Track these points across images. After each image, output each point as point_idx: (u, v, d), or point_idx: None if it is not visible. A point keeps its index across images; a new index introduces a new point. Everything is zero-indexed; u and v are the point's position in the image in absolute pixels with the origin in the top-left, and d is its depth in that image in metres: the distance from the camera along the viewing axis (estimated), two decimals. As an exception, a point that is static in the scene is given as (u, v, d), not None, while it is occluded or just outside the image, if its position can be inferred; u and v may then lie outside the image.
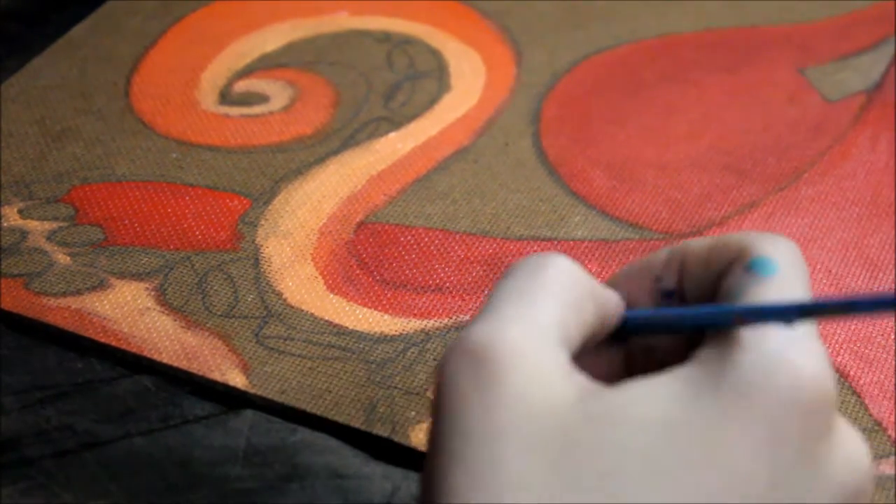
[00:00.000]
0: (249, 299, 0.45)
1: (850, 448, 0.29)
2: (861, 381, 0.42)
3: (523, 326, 0.28)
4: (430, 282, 0.46)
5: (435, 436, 0.27)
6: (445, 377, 0.28)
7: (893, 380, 0.42)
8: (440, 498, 0.26)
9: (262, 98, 0.55)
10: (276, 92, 0.56)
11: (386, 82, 0.56)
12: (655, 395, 0.27)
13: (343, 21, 0.60)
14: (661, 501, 0.26)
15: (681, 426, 0.27)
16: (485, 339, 0.27)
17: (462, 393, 0.27)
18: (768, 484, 0.27)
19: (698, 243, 0.33)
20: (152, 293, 0.46)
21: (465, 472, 0.26)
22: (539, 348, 0.27)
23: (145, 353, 0.43)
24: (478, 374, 0.27)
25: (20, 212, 0.49)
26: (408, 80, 0.56)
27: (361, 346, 0.43)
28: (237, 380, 0.42)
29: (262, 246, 0.48)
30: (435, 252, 0.47)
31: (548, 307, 0.28)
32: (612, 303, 0.32)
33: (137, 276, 0.46)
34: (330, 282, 0.46)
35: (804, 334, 0.28)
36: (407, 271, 0.46)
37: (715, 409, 0.27)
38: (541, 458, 0.26)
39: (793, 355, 0.28)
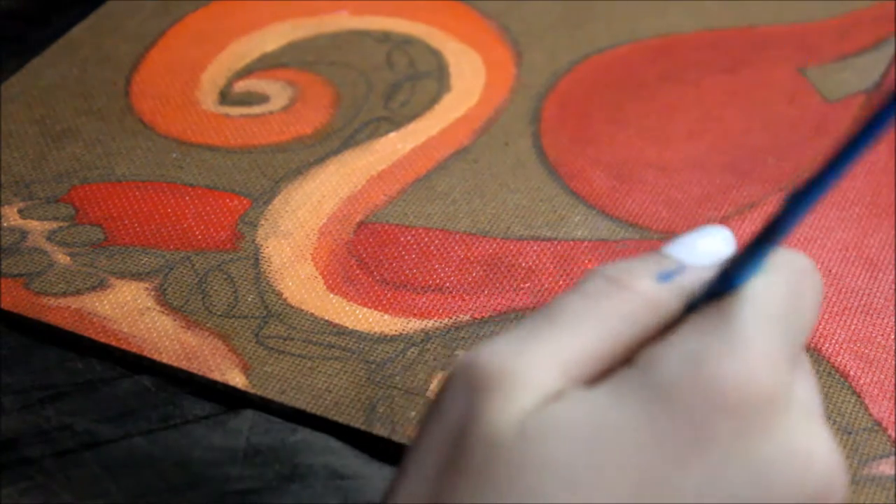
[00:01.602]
0: (249, 299, 0.45)
1: (799, 447, 0.27)
2: (861, 381, 0.42)
3: (526, 353, 0.27)
4: (430, 282, 0.46)
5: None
6: (444, 383, 0.28)
7: (893, 380, 0.42)
8: (386, 496, 0.28)
9: (262, 98, 0.55)
10: (276, 92, 0.56)
11: (386, 82, 0.56)
12: (583, 403, 0.26)
13: (343, 21, 0.60)
14: None
15: (602, 433, 0.26)
16: (483, 358, 0.27)
17: (438, 404, 0.28)
18: (694, 486, 0.26)
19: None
20: (152, 293, 0.46)
21: (404, 483, 0.27)
22: (525, 377, 0.27)
23: (145, 353, 0.43)
24: (461, 391, 0.27)
25: (20, 212, 0.49)
26: (408, 80, 0.56)
27: (361, 346, 0.43)
28: (237, 380, 0.42)
29: (262, 246, 0.48)
30: (435, 252, 0.47)
31: (563, 338, 0.28)
32: (681, 296, 0.29)
33: (137, 276, 0.46)
34: (330, 282, 0.46)
35: (736, 331, 0.27)
36: (407, 271, 0.46)
37: (637, 412, 0.26)
38: (470, 479, 0.26)
39: (716, 353, 0.26)
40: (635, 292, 0.28)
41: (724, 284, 0.28)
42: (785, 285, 0.28)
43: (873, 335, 0.43)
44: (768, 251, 0.28)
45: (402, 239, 0.48)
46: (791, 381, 0.28)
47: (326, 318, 0.45)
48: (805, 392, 0.29)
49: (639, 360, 0.27)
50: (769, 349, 0.27)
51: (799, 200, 0.27)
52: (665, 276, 0.29)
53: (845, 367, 0.42)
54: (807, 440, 0.27)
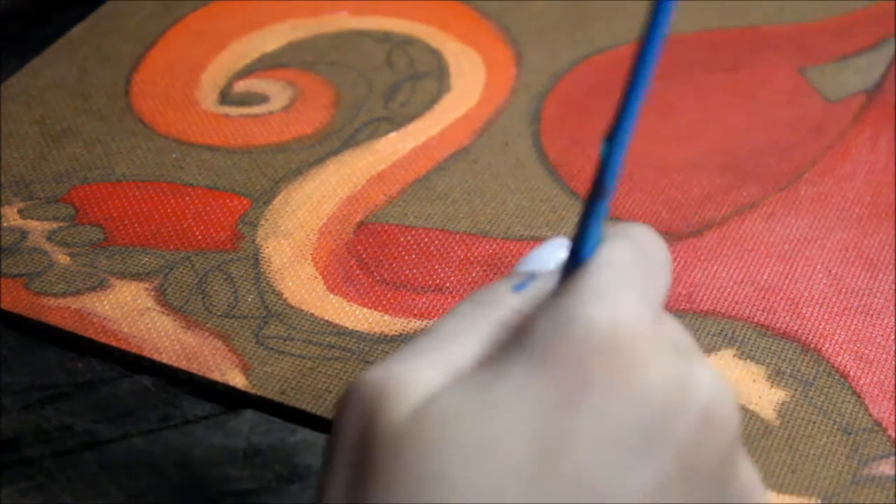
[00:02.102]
0: (249, 299, 0.45)
1: (672, 374, 0.28)
2: (861, 382, 0.42)
3: (411, 363, 0.29)
4: (430, 282, 0.46)
5: None
6: (338, 407, 0.30)
7: (893, 380, 0.42)
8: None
9: (262, 98, 0.55)
10: (276, 92, 0.56)
11: (386, 82, 0.56)
12: (469, 384, 0.28)
13: (343, 21, 0.60)
14: (484, 486, 0.26)
15: (490, 403, 0.27)
16: (371, 375, 0.29)
17: (336, 427, 0.29)
18: (586, 429, 0.27)
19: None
20: (152, 293, 0.46)
21: (322, 481, 0.29)
22: (413, 381, 0.28)
23: (145, 353, 0.43)
24: (357, 404, 0.29)
25: (20, 212, 0.49)
26: (408, 80, 0.56)
27: (361, 346, 0.44)
28: (237, 380, 0.42)
29: (262, 246, 0.48)
30: (435, 252, 0.47)
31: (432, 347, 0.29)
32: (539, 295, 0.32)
33: (137, 276, 0.46)
34: (330, 282, 0.46)
35: (591, 285, 0.28)
36: (407, 271, 0.46)
37: (518, 376, 0.27)
38: (376, 477, 0.27)
39: (578, 305, 0.28)
40: (499, 304, 0.30)
41: (575, 262, 0.30)
42: (627, 244, 0.30)
43: (873, 335, 0.43)
44: (602, 211, 0.29)
45: (402, 239, 0.48)
46: (654, 322, 0.29)
47: (326, 318, 0.45)
48: (673, 332, 0.30)
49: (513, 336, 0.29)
50: (626, 294, 0.28)
51: (613, 142, 0.29)
52: (519, 287, 0.31)
53: (845, 367, 0.42)
54: (678, 368, 0.28)
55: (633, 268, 0.30)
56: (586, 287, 0.28)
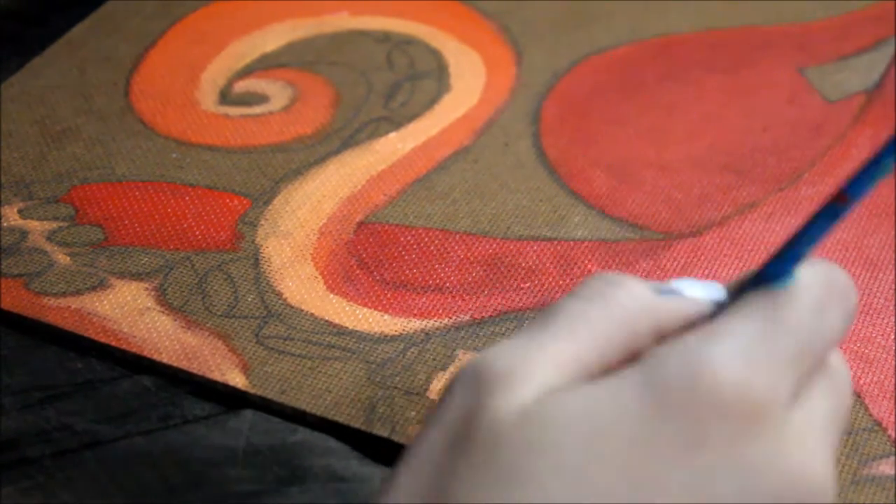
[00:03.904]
0: (249, 299, 0.45)
1: (790, 461, 0.27)
2: (861, 381, 0.42)
3: (527, 354, 0.28)
4: (430, 282, 0.46)
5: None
6: (448, 384, 0.29)
7: (893, 380, 0.42)
8: (383, 489, 0.28)
9: (262, 98, 0.55)
10: (276, 92, 0.56)
11: (386, 82, 0.56)
12: (582, 395, 0.27)
13: (343, 21, 0.60)
14: (572, 501, 0.26)
15: (598, 424, 0.27)
16: (487, 359, 0.28)
17: (442, 402, 0.29)
18: (680, 486, 0.26)
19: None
20: (152, 293, 0.46)
21: (405, 473, 0.28)
22: (527, 374, 0.28)
23: (145, 353, 0.43)
24: (466, 388, 0.28)
25: (20, 212, 0.49)
26: (408, 80, 0.56)
27: (361, 346, 0.43)
28: (237, 380, 0.42)
29: (262, 246, 0.48)
30: (435, 252, 0.47)
31: (560, 341, 0.29)
32: (678, 313, 0.30)
33: (137, 276, 0.46)
34: (330, 282, 0.46)
35: (741, 336, 0.27)
36: (407, 271, 0.46)
37: (633, 408, 0.27)
38: (474, 463, 0.27)
39: (717, 356, 0.27)
40: (630, 293, 0.29)
41: (759, 279, 0.28)
42: (808, 294, 0.29)
43: (873, 335, 0.43)
44: (797, 257, 0.28)
45: (402, 239, 0.48)
46: (793, 391, 0.28)
47: (326, 318, 0.45)
48: (818, 407, 0.29)
49: (643, 358, 0.28)
50: (772, 357, 0.27)
51: (832, 210, 0.28)
52: (663, 291, 0.30)
53: (845, 367, 0.42)
54: (800, 455, 0.27)
55: (800, 316, 0.28)
56: (735, 334, 0.27)
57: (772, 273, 0.29)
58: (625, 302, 0.29)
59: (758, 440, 0.27)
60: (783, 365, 0.28)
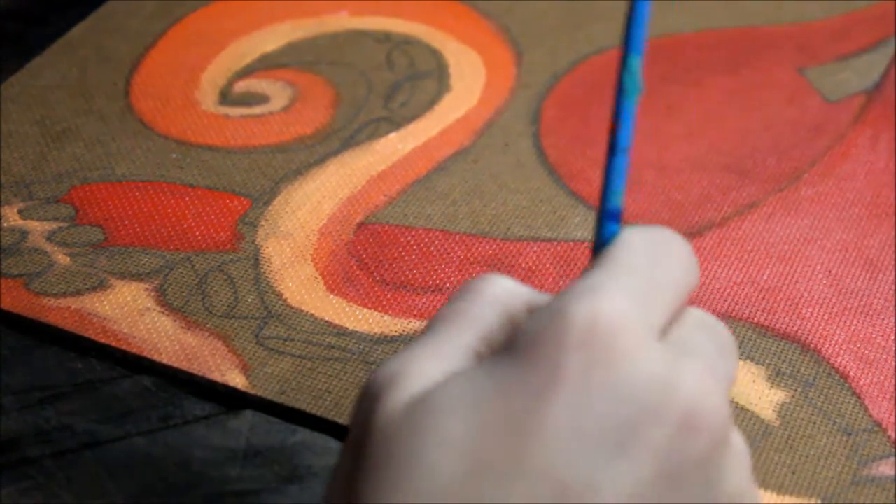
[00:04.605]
0: (249, 300, 0.45)
1: (656, 372, 0.28)
2: (861, 382, 0.42)
3: (409, 356, 0.30)
4: (430, 282, 0.46)
5: None
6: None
7: (893, 380, 0.42)
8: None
9: (262, 98, 0.55)
10: (276, 92, 0.56)
11: (386, 82, 0.56)
12: (463, 379, 0.28)
13: (343, 21, 0.60)
14: (463, 470, 0.27)
15: (478, 398, 0.28)
16: (375, 373, 0.29)
17: (351, 419, 0.30)
18: (559, 420, 0.27)
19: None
20: (152, 293, 0.46)
21: (325, 497, 0.30)
22: (410, 373, 0.29)
23: (145, 354, 0.43)
24: (363, 400, 0.29)
25: (20, 212, 0.49)
26: (408, 80, 0.56)
27: (361, 346, 0.44)
28: (237, 380, 0.42)
29: (262, 246, 0.48)
30: (435, 252, 0.47)
31: (443, 338, 0.30)
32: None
33: (137, 277, 0.46)
34: (330, 282, 0.46)
35: (587, 281, 0.29)
36: (407, 272, 0.47)
37: (504, 372, 0.28)
38: (369, 467, 0.28)
39: (567, 302, 0.28)
40: (499, 283, 0.31)
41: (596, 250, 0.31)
42: (642, 240, 0.30)
43: (873, 336, 0.43)
44: (617, 194, 0.31)
45: (402, 239, 0.48)
46: (646, 317, 0.29)
47: (326, 318, 0.45)
48: (686, 331, 0.30)
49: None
50: (615, 289, 0.28)
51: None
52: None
53: (845, 367, 0.42)
54: (662, 366, 0.28)
55: (636, 262, 0.30)
56: (580, 284, 0.29)
57: (603, 239, 0.31)
58: (496, 290, 0.31)
59: (619, 361, 0.27)
60: (625, 293, 0.28)
